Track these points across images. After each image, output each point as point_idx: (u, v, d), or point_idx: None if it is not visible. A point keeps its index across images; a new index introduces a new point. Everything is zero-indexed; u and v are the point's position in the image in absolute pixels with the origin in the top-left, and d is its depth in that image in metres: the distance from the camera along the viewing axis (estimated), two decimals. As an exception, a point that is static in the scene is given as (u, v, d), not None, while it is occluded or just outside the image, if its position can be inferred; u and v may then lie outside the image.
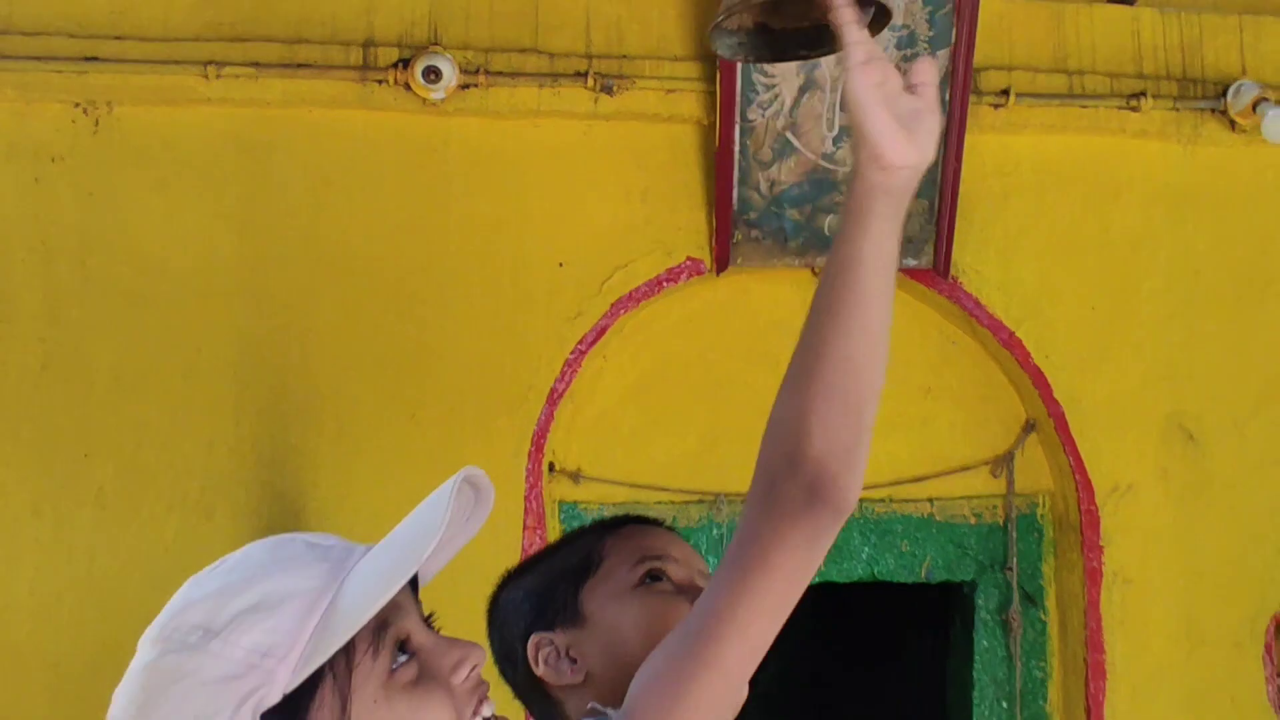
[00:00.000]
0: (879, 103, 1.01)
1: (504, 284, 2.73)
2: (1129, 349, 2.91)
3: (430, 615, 1.03)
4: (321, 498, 2.63)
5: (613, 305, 2.76)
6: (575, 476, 2.81)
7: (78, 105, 2.62)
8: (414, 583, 1.02)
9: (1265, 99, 2.84)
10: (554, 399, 2.74)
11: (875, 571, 2.94)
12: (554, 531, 2.80)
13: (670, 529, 1.42)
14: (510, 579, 1.40)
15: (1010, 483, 2.95)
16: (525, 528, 2.68)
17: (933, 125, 1.03)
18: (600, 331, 2.75)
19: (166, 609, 0.97)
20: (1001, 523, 2.96)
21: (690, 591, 1.25)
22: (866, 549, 2.92)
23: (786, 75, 2.61)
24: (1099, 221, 2.91)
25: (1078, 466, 2.87)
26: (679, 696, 1.03)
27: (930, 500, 2.95)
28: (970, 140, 2.79)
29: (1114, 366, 2.90)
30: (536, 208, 2.75)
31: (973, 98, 2.78)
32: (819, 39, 1.14)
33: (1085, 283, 2.91)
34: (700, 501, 2.87)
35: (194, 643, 0.93)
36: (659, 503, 2.83)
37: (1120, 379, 2.90)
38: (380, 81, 2.65)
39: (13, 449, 2.60)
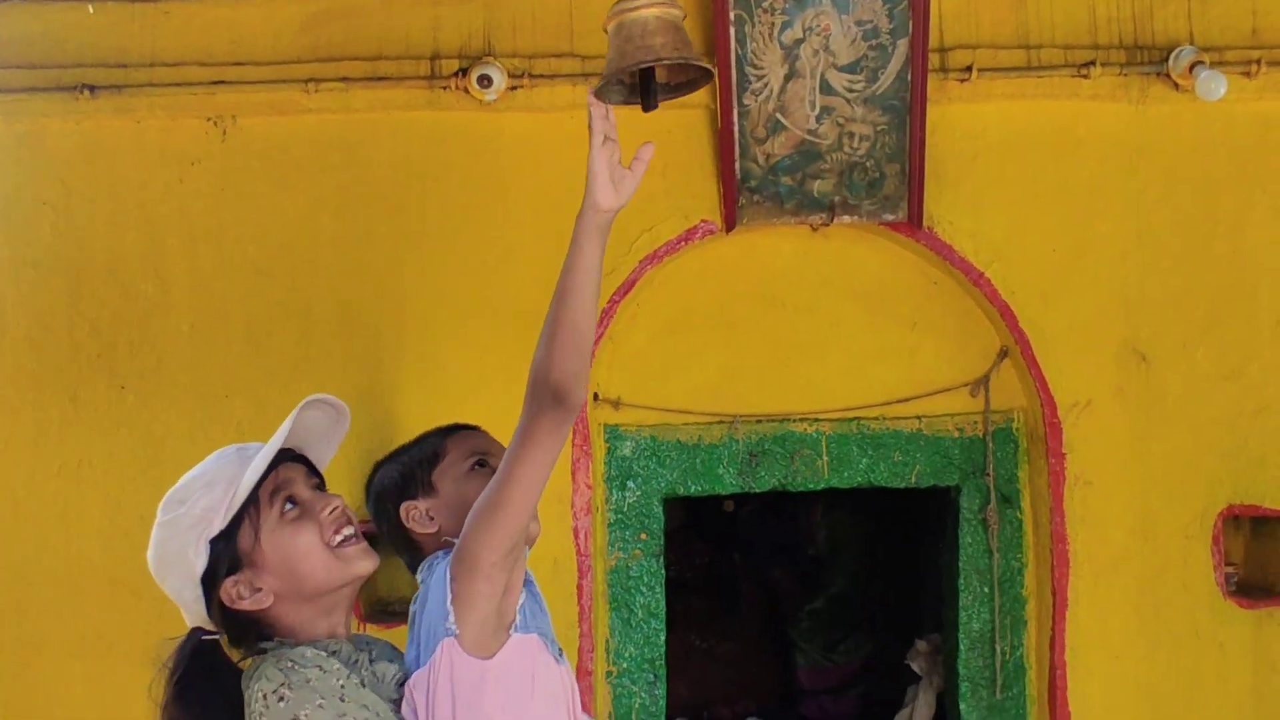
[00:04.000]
0: (606, 171, 1.69)
1: (551, 247, 3.24)
2: (1086, 284, 3.34)
3: (319, 483, 1.81)
4: (410, 427, 3.24)
5: (641, 262, 3.29)
6: (615, 404, 3.37)
7: (209, 119, 3.27)
8: (312, 466, 1.82)
9: (1200, 62, 3.23)
10: (597, 340, 3.30)
11: (872, 478, 3.44)
12: (599, 450, 3.39)
13: (483, 431, 2.09)
14: (381, 465, 2.10)
15: (987, 401, 3.42)
16: (574, 446, 3.25)
17: (631, 187, 1.72)
18: (631, 284, 3.29)
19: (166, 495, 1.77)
20: (980, 435, 3.43)
21: None
22: (865, 460, 3.42)
23: (773, 67, 3.13)
24: (1057, 175, 3.34)
25: (1042, 386, 3.33)
26: (486, 519, 1.70)
27: (918, 417, 3.44)
28: (940, 111, 3.28)
29: (1073, 299, 3.34)
30: (575, 185, 3.26)
31: (940, 74, 3.26)
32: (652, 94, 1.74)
33: (1046, 228, 3.34)
34: (720, 422, 3.40)
35: (174, 510, 1.73)
36: (685, 424, 3.40)
37: (1078, 310, 3.34)
38: (444, 88, 3.23)
39: (171, 392, 3.26)
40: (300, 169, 3.29)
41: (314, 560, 1.72)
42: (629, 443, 3.38)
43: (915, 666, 3.93)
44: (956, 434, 3.44)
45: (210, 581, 1.70)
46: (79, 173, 3.30)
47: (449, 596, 1.72)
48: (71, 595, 3.27)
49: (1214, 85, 3.19)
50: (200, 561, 1.69)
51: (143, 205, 3.29)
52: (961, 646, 3.44)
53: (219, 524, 1.69)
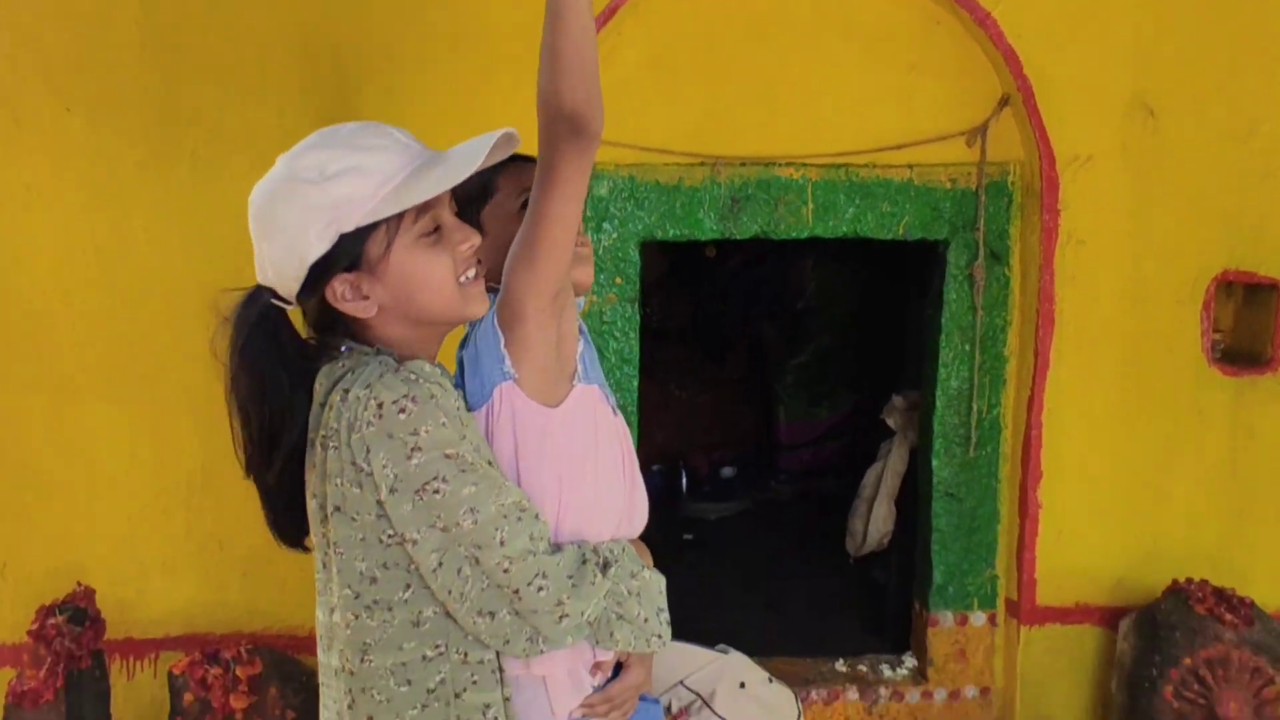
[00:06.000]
0: None
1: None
2: (1098, 30, 3.12)
3: (456, 209, 1.65)
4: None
5: (625, -11, 3.05)
6: (592, 142, 3.19)
7: None
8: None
9: None
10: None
11: (858, 229, 3.29)
12: (575, 191, 3.23)
13: (534, 164, 1.90)
14: None
15: (983, 151, 3.23)
16: (546, 186, 3.11)
17: None
18: (612, 12, 3.06)
19: (302, 144, 1.59)
20: (973, 188, 3.27)
21: None
22: (851, 209, 3.27)
23: None
24: (1077, -91, 3.08)
25: (1042, 138, 3.16)
26: (525, 264, 1.61)
27: (910, 166, 3.26)
28: None
29: (1083, 46, 3.12)
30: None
31: None
32: None
33: (1061, -33, 3.10)
34: (702, 164, 3.23)
35: (311, 178, 1.53)
36: (665, 164, 3.22)
37: (1088, 58, 3.13)
38: None
39: (121, 118, 3.08)
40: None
41: (438, 291, 1.59)
42: (605, 183, 3.22)
43: (890, 422, 3.89)
44: (949, 185, 3.28)
45: (321, 269, 1.55)
46: None
47: (501, 341, 1.65)
48: (27, 329, 3.17)
49: None
50: (320, 246, 1.53)
51: (85, -94, 3.02)
52: (939, 403, 3.38)
53: (358, 219, 1.53)
